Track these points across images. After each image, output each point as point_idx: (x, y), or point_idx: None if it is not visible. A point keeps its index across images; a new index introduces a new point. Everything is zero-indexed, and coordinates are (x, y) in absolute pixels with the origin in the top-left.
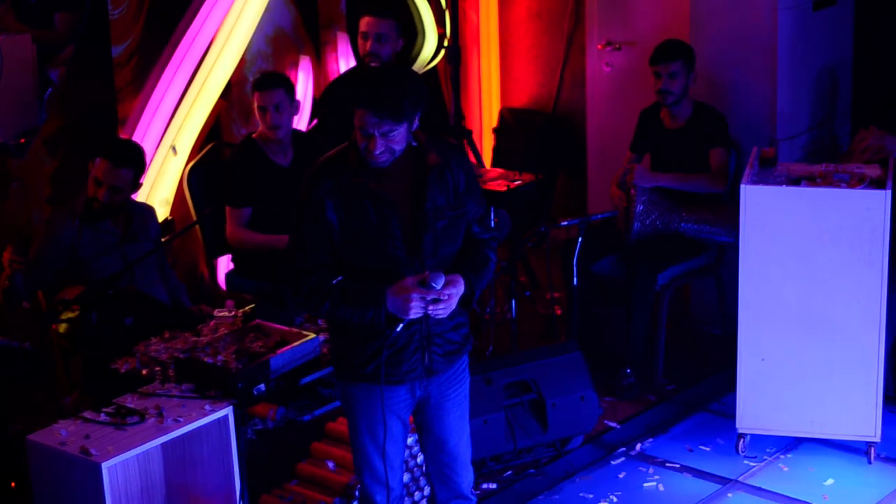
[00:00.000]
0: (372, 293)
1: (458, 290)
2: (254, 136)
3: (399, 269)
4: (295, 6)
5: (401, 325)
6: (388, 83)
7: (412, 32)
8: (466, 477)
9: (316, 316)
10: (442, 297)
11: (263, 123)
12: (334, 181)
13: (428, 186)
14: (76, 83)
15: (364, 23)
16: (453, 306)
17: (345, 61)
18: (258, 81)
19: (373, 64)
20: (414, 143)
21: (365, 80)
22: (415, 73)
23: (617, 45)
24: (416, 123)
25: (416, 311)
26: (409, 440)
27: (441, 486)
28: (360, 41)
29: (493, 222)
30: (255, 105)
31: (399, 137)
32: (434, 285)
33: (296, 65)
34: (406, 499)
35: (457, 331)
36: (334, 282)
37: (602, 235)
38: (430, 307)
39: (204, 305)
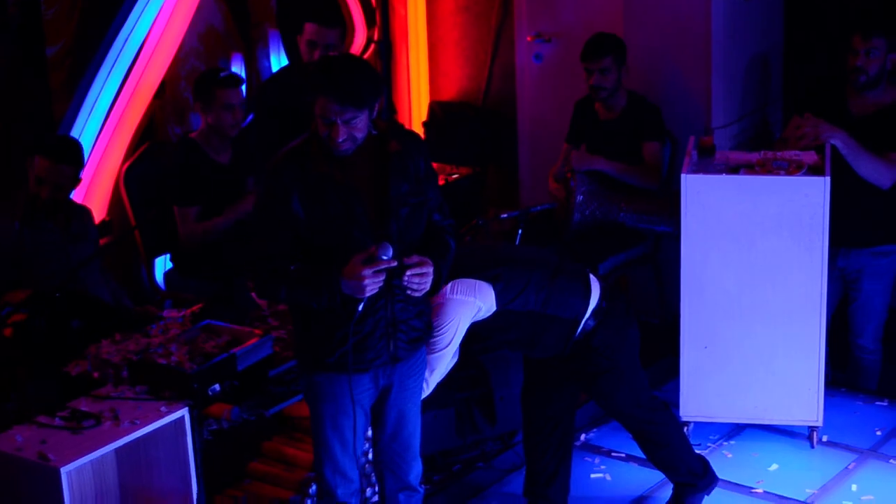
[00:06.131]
0: (326, 276)
1: (430, 269)
2: (192, 135)
3: None
4: (225, 4)
5: (361, 305)
6: (348, 70)
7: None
8: (415, 468)
9: (276, 303)
10: (405, 268)
11: (225, 121)
12: (298, 171)
13: (390, 174)
14: (11, 84)
15: (311, 31)
16: (428, 285)
17: (276, 58)
18: (225, 79)
19: None
20: (374, 132)
21: (325, 68)
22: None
23: (546, 37)
24: (375, 111)
25: (371, 288)
26: (368, 432)
27: (390, 475)
28: (304, 47)
29: None
30: (219, 103)
31: (361, 124)
32: (383, 257)
33: (227, 62)
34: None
35: (420, 318)
36: (292, 268)
37: (540, 227)
38: (407, 280)
39: (150, 306)
